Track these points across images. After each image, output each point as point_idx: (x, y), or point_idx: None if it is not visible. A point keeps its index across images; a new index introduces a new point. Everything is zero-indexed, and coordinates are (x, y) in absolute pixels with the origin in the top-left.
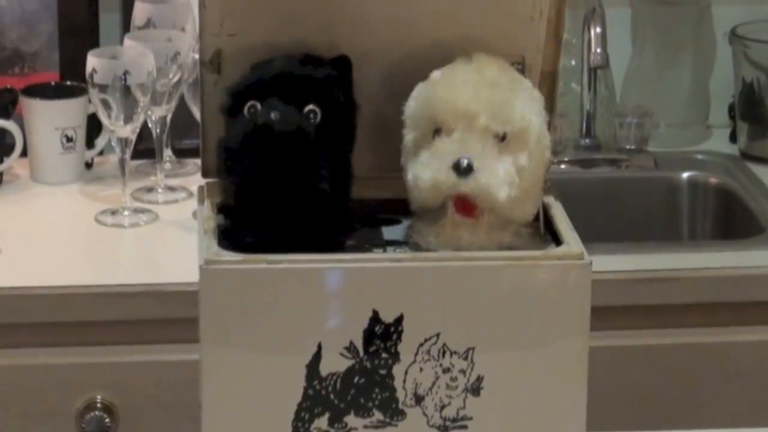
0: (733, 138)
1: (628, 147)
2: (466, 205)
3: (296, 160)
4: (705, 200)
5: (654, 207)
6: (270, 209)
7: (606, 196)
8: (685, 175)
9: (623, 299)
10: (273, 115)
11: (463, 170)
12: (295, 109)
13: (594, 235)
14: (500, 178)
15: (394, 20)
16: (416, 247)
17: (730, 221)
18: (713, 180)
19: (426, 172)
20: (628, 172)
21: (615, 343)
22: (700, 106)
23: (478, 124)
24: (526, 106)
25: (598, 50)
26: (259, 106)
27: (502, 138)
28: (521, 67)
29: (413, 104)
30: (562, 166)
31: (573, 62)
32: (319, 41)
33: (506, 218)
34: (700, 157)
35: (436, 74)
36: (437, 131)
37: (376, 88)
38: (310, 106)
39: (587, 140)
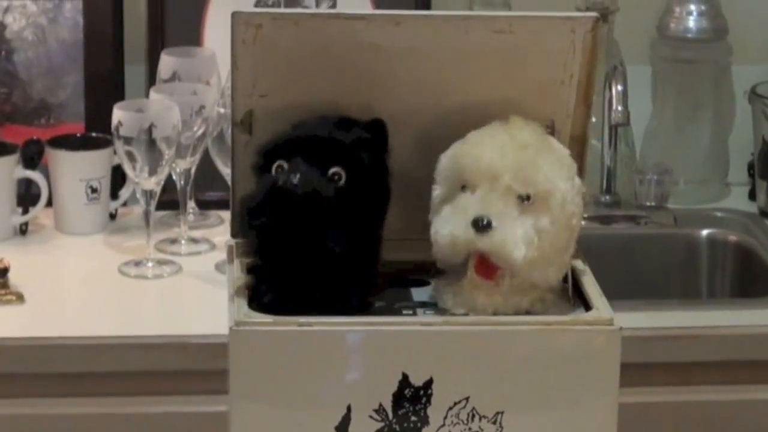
0: (752, 196)
1: (647, 204)
2: (486, 267)
3: (311, 222)
4: (724, 258)
5: (673, 264)
6: (289, 268)
7: (625, 252)
8: (705, 232)
9: (642, 356)
10: (292, 177)
11: (481, 227)
12: (318, 171)
13: (613, 291)
14: (517, 237)
15: (425, 84)
16: (436, 307)
17: (749, 279)
18: (732, 238)
19: (445, 227)
20: (647, 228)
21: (633, 399)
22: (720, 164)
23: (501, 184)
24: (552, 170)
25: (619, 108)
26: (286, 166)
27: (527, 199)
28: (551, 131)
29: (444, 161)
30: (582, 223)
31: (594, 119)
32: (349, 103)
33: (528, 282)
34: (719, 214)
35: (472, 134)
36: (463, 188)
37: (406, 151)
38: (335, 169)
39: (607, 197)
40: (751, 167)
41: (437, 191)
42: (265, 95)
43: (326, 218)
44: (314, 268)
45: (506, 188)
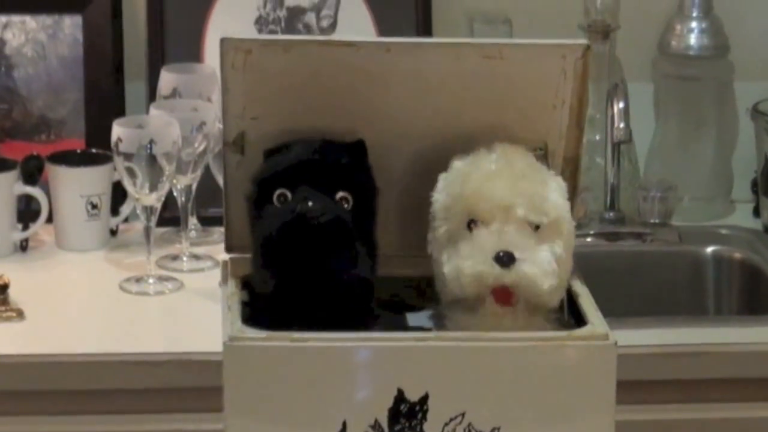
0: (756, 213)
1: (652, 221)
2: (504, 294)
3: (338, 251)
4: (730, 275)
5: (679, 281)
6: (311, 298)
7: (631, 269)
8: (710, 249)
9: (648, 374)
10: (310, 204)
11: (505, 261)
12: (328, 197)
13: (619, 308)
14: (543, 268)
15: (417, 108)
16: None
17: (755, 296)
18: (738, 255)
19: (468, 264)
20: (652, 245)
21: (640, 417)
22: (723, 181)
23: (515, 216)
24: (558, 195)
25: (622, 125)
26: (289, 194)
27: (536, 227)
28: (544, 153)
29: (443, 197)
30: (588, 240)
31: (597, 137)
32: (341, 127)
33: (541, 305)
34: (724, 231)
35: (459, 164)
36: (472, 222)
37: (401, 169)
38: (342, 193)
39: (611, 214)
40: (754, 184)
41: (442, 229)
42: (257, 118)
43: (350, 245)
44: (339, 295)
45: (521, 220)
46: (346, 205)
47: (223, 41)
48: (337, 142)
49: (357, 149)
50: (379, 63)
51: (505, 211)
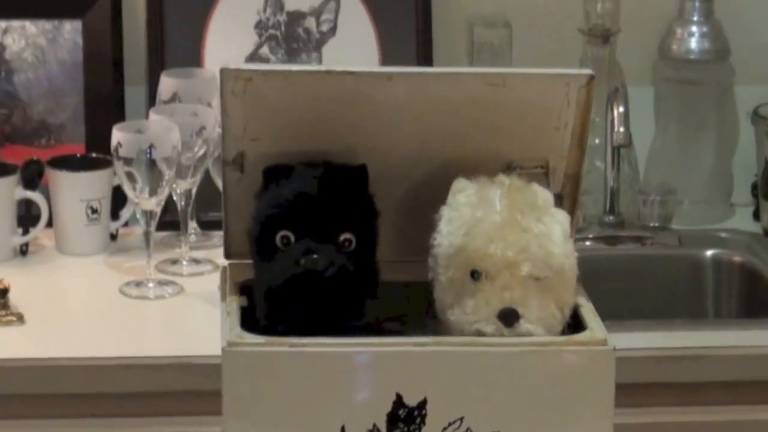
0: (756, 216)
1: (651, 224)
2: None
3: (344, 304)
4: (729, 278)
5: (678, 285)
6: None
7: (630, 273)
8: (709, 253)
9: (648, 377)
10: (315, 258)
11: (510, 320)
12: (330, 242)
13: (618, 312)
14: (546, 323)
15: (419, 134)
16: None
17: (754, 300)
18: (737, 258)
19: (473, 320)
20: (652, 249)
21: (639, 420)
22: (724, 185)
23: (519, 272)
24: (562, 243)
25: (621, 129)
26: (291, 237)
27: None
28: (545, 171)
29: (446, 244)
30: (587, 243)
31: (597, 141)
32: (342, 150)
33: None
34: (723, 235)
35: (462, 199)
36: (475, 272)
37: (402, 191)
38: (345, 235)
39: (611, 217)
40: (754, 188)
41: (444, 276)
42: (257, 139)
43: (354, 296)
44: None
45: (526, 275)
46: (349, 246)
47: (223, 72)
48: (338, 167)
49: (359, 175)
50: (380, 90)
51: (510, 267)
